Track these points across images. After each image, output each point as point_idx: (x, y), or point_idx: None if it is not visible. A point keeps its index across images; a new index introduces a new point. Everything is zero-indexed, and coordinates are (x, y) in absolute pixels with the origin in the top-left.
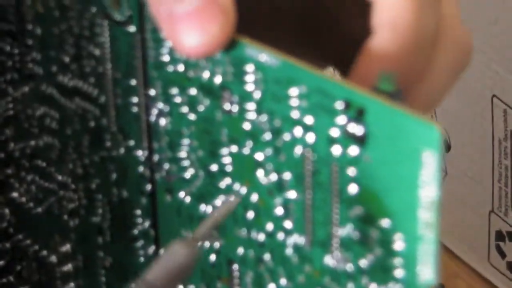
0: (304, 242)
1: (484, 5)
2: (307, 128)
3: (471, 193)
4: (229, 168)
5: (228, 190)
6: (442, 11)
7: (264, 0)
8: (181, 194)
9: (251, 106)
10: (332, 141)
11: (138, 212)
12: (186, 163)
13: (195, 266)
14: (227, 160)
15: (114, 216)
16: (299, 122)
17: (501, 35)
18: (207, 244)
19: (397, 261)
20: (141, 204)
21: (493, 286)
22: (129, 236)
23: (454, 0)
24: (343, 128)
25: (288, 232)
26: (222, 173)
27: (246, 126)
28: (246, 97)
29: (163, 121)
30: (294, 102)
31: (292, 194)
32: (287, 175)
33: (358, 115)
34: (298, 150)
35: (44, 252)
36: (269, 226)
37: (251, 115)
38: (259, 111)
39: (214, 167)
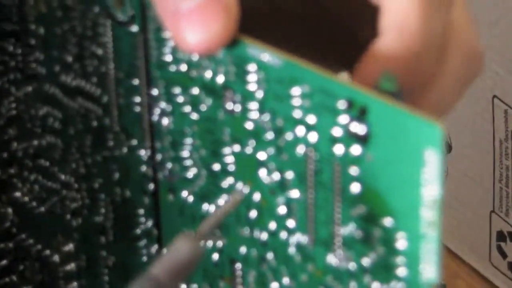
0: (307, 241)
1: (484, 5)
2: (309, 128)
3: (472, 193)
4: (231, 168)
5: (231, 189)
6: (452, 16)
7: (265, 1)
8: (184, 193)
9: (253, 105)
10: (334, 140)
11: (141, 211)
12: (188, 162)
13: (198, 262)
14: (229, 159)
15: (117, 215)
16: (301, 121)
17: (502, 35)
18: (210, 243)
19: (400, 259)
20: (143, 203)
21: (494, 286)
22: (132, 236)
23: (463, 5)
24: (345, 127)
25: (290, 231)
26: (224, 172)
27: (249, 125)
28: (248, 96)
29: (165, 121)
30: (296, 101)
31: (294, 193)
32: (289, 174)
33: (360, 115)
34: (300, 149)
35: (47, 252)
36: (272, 225)
37: (254, 115)
38: (261, 111)
39: (216, 167)
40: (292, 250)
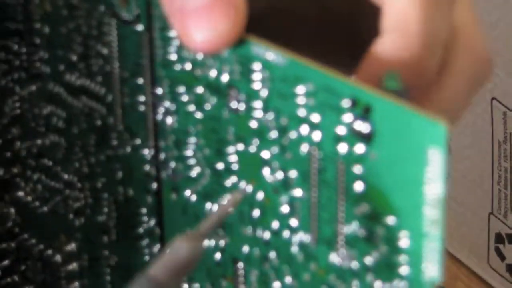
0: (310, 240)
1: (484, 8)
2: (313, 126)
3: (470, 195)
4: (235, 167)
5: (234, 188)
6: (457, 18)
7: (267, 1)
8: (187, 192)
9: (258, 104)
10: (338, 139)
11: (144, 210)
12: (192, 161)
13: (198, 262)
14: (233, 158)
15: (119, 215)
16: (305, 120)
17: (501, 38)
18: (212, 242)
19: (403, 258)
20: (146, 202)
21: None
22: (134, 235)
23: (470, 6)
24: (349, 126)
25: (293, 230)
26: (228, 171)
27: (253, 124)
28: (253, 95)
29: (169, 120)
30: (300, 100)
31: (298, 192)
32: (293, 173)
33: (364, 113)
34: (304, 148)
35: (49, 252)
36: (275, 224)
37: (258, 114)
38: (265, 110)
39: (220, 166)
40: (294, 249)
